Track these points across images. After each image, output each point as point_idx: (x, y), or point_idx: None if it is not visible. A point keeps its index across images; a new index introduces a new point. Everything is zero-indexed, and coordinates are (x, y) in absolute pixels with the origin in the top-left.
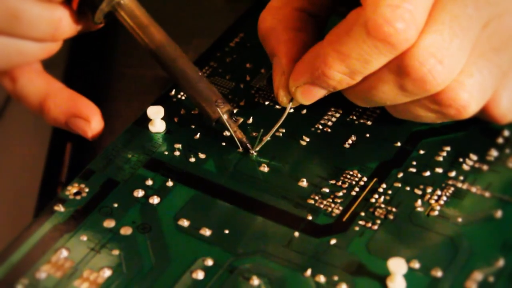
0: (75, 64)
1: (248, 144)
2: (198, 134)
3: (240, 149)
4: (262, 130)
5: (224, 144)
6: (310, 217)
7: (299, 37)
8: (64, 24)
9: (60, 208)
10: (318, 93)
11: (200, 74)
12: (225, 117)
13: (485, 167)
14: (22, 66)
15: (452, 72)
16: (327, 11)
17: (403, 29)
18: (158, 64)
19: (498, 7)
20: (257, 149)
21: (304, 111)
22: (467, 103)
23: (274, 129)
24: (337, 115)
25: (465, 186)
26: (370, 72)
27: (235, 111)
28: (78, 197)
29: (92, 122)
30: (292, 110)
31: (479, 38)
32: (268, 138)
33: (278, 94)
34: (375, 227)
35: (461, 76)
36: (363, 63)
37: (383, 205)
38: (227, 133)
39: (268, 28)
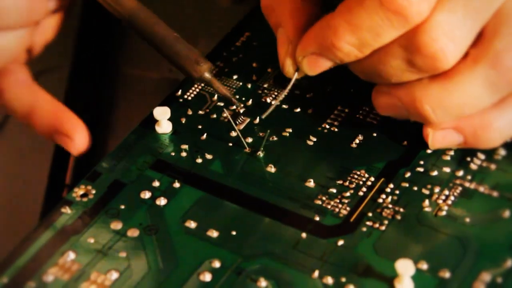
0: (80, 66)
1: (233, 99)
2: (205, 134)
3: (247, 149)
4: (268, 131)
5: (230, 144)
6: (317, 218)
7: (305, 7)
8: (38, 4)
9: (67, 210)
10: (325, 64)
11: (177, 36)
12: (206, 75)
13: (493, 166)
14: (8, 76)
15: (462, 52)
16: None
17: (416, 2)
18: (135, 33)
19: None
20: (264, 116)
21: (311, 111)
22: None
23: (279, 98)
24: (344, 114)
25: (473, 186)
26: (380, 45)
27: (241, 111)
28: (85, 199)
29: (75, 138)
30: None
31: None
32: (277, 103)
33: (284, 64)
34: (383, 227)
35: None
36: (373, 36)
37: (390, 205)
38: (233, 134)
39: None
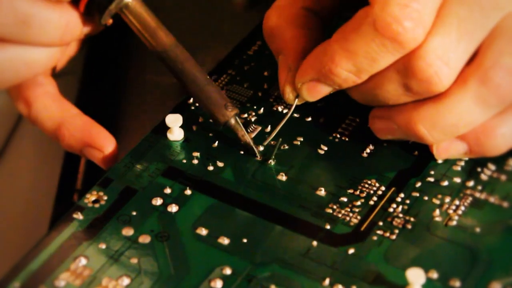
0: (91, 72)
1: (255, 149)
2: (216, 142)
3: (258, 157)
4: (280, 139)
5: (242, 152)
6: (328, 226)
7: (304, 34)
8: (72, 27)
9: (79, 216)
10: (324, 90)
11: (208, 77)
12: (233, 121)
13: (503, 177)
14: (36, 88)
15: (457, 73)
16: (333, 11)
17: (411, 28)
18: (166, 67)
19: (505, 9)
20: (265, 143)
21: (322, 120)
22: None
23: (279, 126)
24: (355, 124)
25: (483, 196)
26: (376, 71)
27: (253, 119)
28: (96, 205)
29: (106, 152)
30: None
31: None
32: (273, 142)
33: (284, 90)
34: (393, 236)
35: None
36: (370, 62)
37: (401, 215)
38: (245, 141)
39: (274, 26)
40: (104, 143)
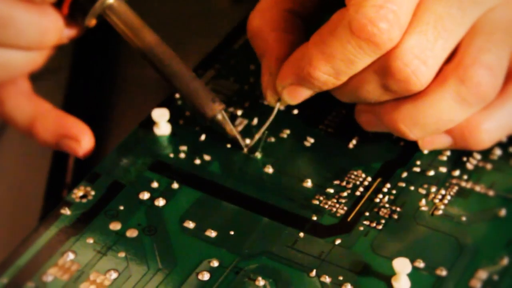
0: (79, 67)
1: (242, 142)
2: (203, 136)
3: (245, 150)
4: (266, 132)
5: (229, 146)
6: (315, 218)
7: (286, 38)
8: (52, 30)
9: (66, 211)
10: (304, 94)
11: (193, 74)
12: (219, 116)
13: (489, 166)
14: (8, 87)
15: (435, 72)
16: (315, 13)
17: (386, 29)
18: (151, 66)
19: (484, 5)
20: (250, 145)
21: (308, 112)
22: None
23: (264, 127)
24: (341, 116)
25: (469, 185)
26: (354, 72)
27: (239, 113)
28: (84, 200)
29: (82, 141)
30: (282, 108)
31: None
32: (260, 137)
33: (266, 94)
34: (380, 227)
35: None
36: (347, 64)
37: (387, 205)
38: (232, 135)
39: (256, 29)
40: (79, 132)
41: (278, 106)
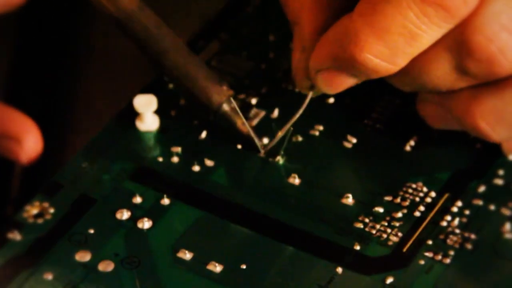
0: (27, 38)
1: (257, 142)
2: (204, 133)
3: (262, 153)
4: (291, 129)
5: (239, 146)
6: (357, 247)
7: (330, 2)
8: None
9: (15, 235)
10: (346, 82)
11: (188, 49)
12: (226, 106)
13: None
14: None
15: None
16: None
17: None
18: (130, 39)
19: None
20: (269, 147)
21: (349, 101)
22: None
23: (289, 123)
24: (393, 106)
25: None
26: (418, 52)
27: (253, 101)
28: (40, 221)
29: (25, 142)
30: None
31: None
32: (283, 136)
33: (295, 76)
34: (447, 260)
35: None
36: (408, 40)
37: (458, 231)
38: (243, 131)
39: None
40: (23, 129)
41: (311, 95)
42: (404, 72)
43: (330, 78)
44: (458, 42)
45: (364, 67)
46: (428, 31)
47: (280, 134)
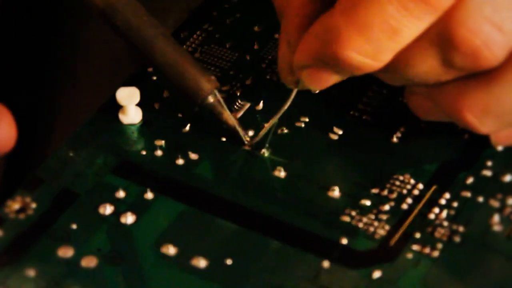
0: (9, 34)
1: (242, 134)
2: (188, 126)
3: (247, 146)
4: (277, 120)
5: (224, 139)
6: (344, 241)
7: None
8: None
9: None
10: (331, 79)
11: (171, 37)
12: (211, 98)
13: None
14: None
15: None
16: None
17: None
18: (111, 28)
19: None
20: (255, 140)
21: (335, 92)
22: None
23: (276, 117)
24: (380, 97)
25: None
26: (401, 47)
27: (238, 93)
28: (21, 216)
29: None
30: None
31: None
32: (268, 129)
33: (281, 71)
34: (436, 253)
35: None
36: (390, 35)
37: (446, 223)
38: (228, 124)
39: None
40: None
41: (297, 90)
42: (389, 67)
43: (315, 75)
44: (442, 36)
45: (347, 65)
46: (410, 25)
47: (266, 127)
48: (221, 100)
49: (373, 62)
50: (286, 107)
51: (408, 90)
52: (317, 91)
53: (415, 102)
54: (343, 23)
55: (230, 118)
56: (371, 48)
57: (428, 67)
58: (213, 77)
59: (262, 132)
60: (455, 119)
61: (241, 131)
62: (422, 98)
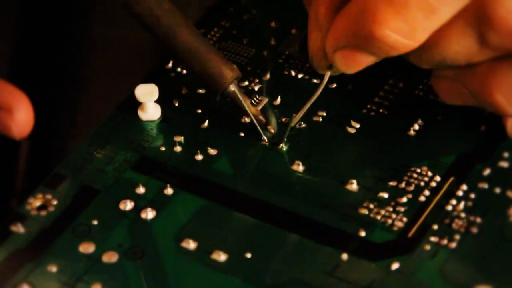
0: (30, 32)
1: (260, 129)
2: (206, 122)
3: (265, 141)
4: (294, 115)
5: (242, 134)
6: (363, 233)
7: None
8: None
9: (18, 228)
10: (365, 60)
11: (198, 32)
12: (232, 87)
13: None
14: None
15: None
16: None
17: None
18: (136, 21)
19: None
20: (285, 139)
21: (351, 86)
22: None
23: (305, 108)
24: (397, 90)
25: None
26: (437, 26)
27: (256, 88)
28: (43, 213)
29: (17, 113)
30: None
31: None
32: (297, 122)
33: (313, 57)
34: (453, 245)
35: None
36: (427, 14)
37: (463, 215)
38: (246, 120)
39: None
40: (14, 100)
41: (330, 74)
42: (424, 48)
43: (348, 56)
44: (479, 15)
45: (383, 44)
46: (447, 4)
47: (294, 120)
48: (240, 92)
49: (408, 41)
50: (319, 91)
51: (434, 73)
52: (351, 73)
53: (441, 86)
54: (380, 2)
55: (251, 108)
56: (407, 27)
57: (462, 47)
58: (235, 66)
59: (290, 126)
60: (483, 100)
61: (262, 119)
62: (448, 81)
